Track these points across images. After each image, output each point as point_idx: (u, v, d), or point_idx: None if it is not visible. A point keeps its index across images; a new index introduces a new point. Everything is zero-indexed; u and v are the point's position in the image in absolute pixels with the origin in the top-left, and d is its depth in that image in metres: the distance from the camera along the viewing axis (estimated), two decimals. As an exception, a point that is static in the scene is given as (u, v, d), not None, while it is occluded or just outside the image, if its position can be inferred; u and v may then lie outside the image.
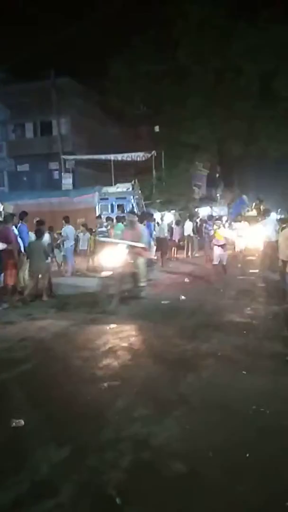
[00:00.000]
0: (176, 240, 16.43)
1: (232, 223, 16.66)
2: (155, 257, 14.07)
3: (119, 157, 22.06)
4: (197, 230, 17.30)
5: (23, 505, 2.53)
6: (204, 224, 15.98)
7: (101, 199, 18.71)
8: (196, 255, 16.43)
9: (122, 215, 13.98)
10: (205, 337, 5.70)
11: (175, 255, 16.02)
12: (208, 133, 23.84)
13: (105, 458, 2.95)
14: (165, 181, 23.51)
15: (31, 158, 26.73)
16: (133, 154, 22.00)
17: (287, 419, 3.44)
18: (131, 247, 8.00)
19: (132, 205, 17.71)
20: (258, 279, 10.48)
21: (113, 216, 14.75)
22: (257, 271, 11.22)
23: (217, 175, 37.16)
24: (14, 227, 8.46)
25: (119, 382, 4.25)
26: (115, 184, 20.04)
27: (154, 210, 19.12)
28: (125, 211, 12.05)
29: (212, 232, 11.68)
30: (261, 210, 15.54)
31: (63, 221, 12.41)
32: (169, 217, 19.14)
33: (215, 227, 11.08)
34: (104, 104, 26.48)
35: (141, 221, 11.93)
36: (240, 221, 14.30)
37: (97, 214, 16.14)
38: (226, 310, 7.34)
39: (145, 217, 13.47)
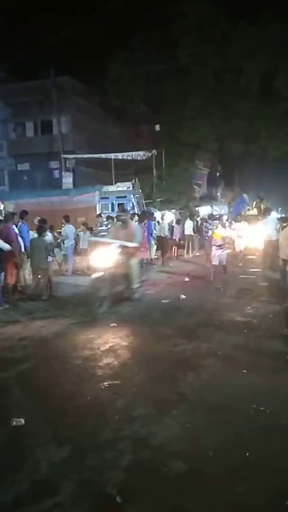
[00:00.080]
0: (177, 239, 16.44)
1: (233, 222, 16.63)
2: (156, 256, 14.08)
3: (120, 156, 22.07)
4: (197, 229, 17.30)
5: (23, 504, 2.52)
6: (204, 223, 15.96)
7: (101, 198, 18.73)
8: (197, 254, 16.42)
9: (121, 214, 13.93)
10: (205, 336, 5.69)
11: (175, 254, 16.01)
12: (208, 132, 23.82)
13: (105, 457, 2.95)
14: (165, 180, 23.52)
15: (32, 157, 26.75)
16: (133, 153, 22.02)
17: (287, 418, 3.43)
18: (123, 247, 7.70)
19: (133, 204, 17.71)
20: (258, 278, 10.46)
21: (114, 215, 14.74)
22: (258, 270, 11.20)
23: (218, 174, 37.14)
24: (14, 226, 8.47)
25: (119, 381, 4.24)
26: (115, 183, 20.06)
27: (154, 209, 19.12)
28: (126, 210, 12.04)
29: (210, 233, 11.53)
30: (262, 209, 15.50)
31: (63, 220, 12.41)
32: (170, 216, 19.11)
33: (213, 227, 11.03)
34: (104, 103, 26.54)
35: (141, 220, 11.97)
36: (240, 221, 14.27)
37: (98, 213, 16.17)
38: (226, 309, 7.33)
39: (146, 216, 13.50)
